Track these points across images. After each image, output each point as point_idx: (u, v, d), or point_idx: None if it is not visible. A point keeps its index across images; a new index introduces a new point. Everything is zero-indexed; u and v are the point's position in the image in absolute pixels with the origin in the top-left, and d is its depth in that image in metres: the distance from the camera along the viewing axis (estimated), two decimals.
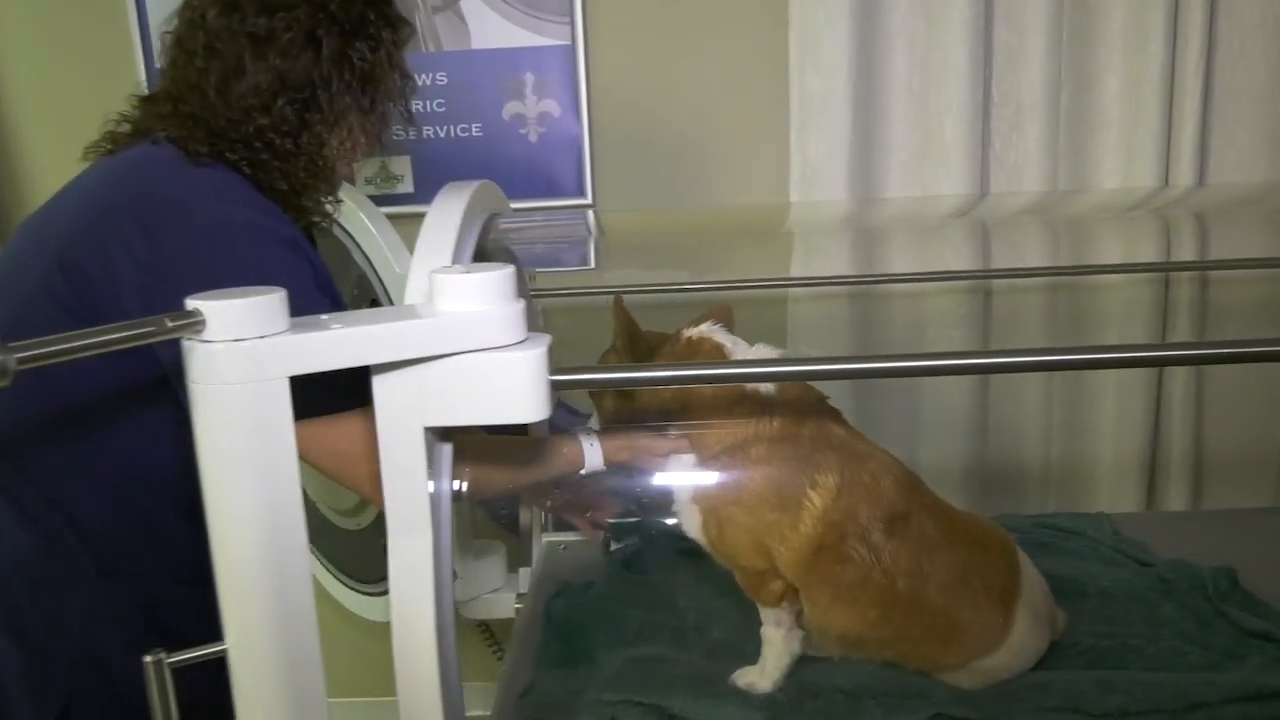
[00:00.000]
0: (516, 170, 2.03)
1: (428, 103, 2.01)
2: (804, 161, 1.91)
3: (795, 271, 1.94)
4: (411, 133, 1.28)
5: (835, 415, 1.12)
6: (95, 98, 1.61)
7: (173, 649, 0.83)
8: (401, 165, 2.04)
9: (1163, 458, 1.93)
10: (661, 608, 1.27)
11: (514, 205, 2.01)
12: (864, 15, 1.86)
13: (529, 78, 1.99)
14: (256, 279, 0.84)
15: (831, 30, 1.85)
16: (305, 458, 1.02)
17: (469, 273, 0.83)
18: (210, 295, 0.77)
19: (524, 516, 1.58)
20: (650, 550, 1.40)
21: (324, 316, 0.84)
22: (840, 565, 1.04)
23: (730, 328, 1.14)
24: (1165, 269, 1.83)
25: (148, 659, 0.90)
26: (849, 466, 1.06)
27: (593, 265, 2.04)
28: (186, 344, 0.77)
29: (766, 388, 1.08)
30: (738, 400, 1.07)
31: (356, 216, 1.61)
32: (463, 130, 2.02)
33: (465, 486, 1.05)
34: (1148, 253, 1.84)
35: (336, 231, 1.66)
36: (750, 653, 1.14)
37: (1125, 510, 1.89)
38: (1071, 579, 1.29)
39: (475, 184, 1.15)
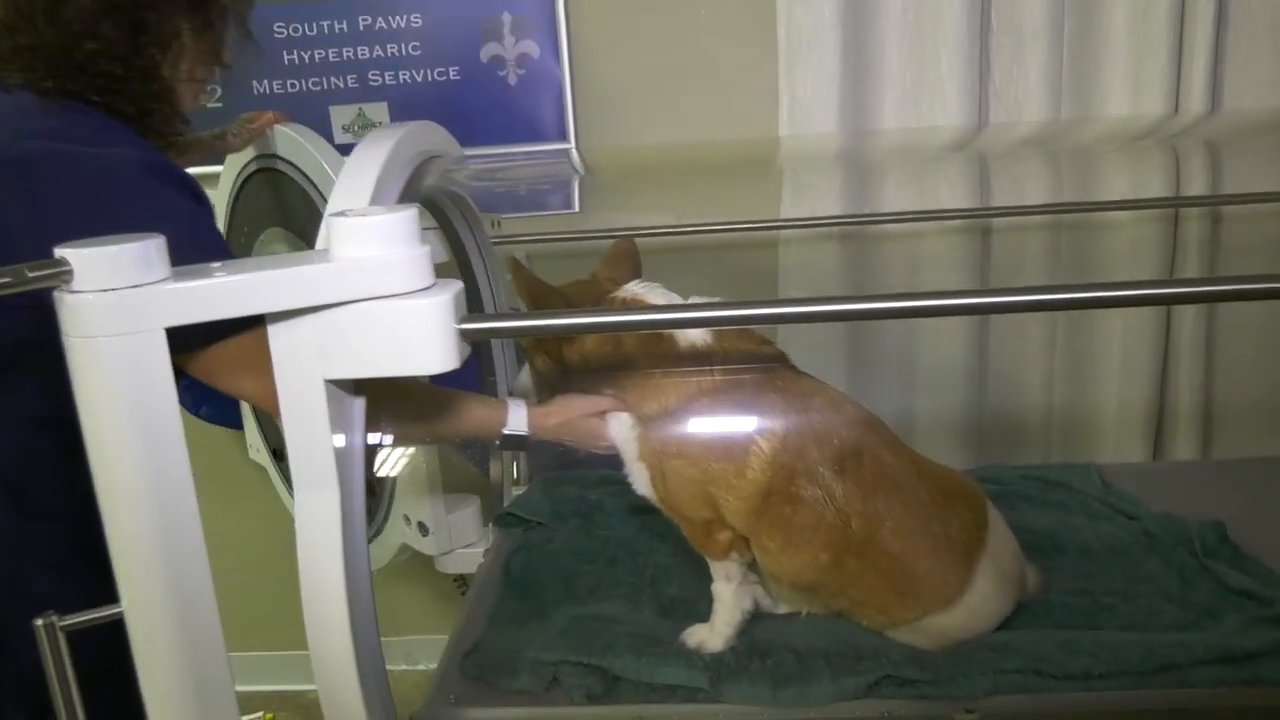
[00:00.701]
0: (496, 114, 1.96)
1: (402, 46, 1.94)
2: (793, 96, 1.82)
3: (786, 211, 1.86)
4: (252, 52, 1.21)
5: (781, 358, 1.06)
6: None
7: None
8: (378, 111, 1.98)
9: (1171, 405, 1.84)
10: (619, 564, 1.23)
11: (494, 150, 1.97)
12: None
13: (506, 18, 1.91)
14: (154, 224, 0.80)
15: None
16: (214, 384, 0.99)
17: (365, 215, 0.78)
18: (79, 243, 0.73)
19: (494, 469, 1.54)
20: (614, 505, 1.36)
21: (213, 265, 0.79)
22: (791, 507, 1.00)
23: (637, 268, 1.09)
24: (1175, 204, 1.73)
25: (38, 622, 0.87)
26: (796, 408, 1.01)
27: (577, 209, 1.98)
28: (56, 296, 0.73)
29: (703, 337, 1.02)
30: (677, 352, 1.01)
31: (320, 167, 1.56)
32: (439, 74, 1.95)
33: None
34: (1157, 186, 1.74)
35: (301, 181, 1.61)
36: (706, 612, 1.10)
37: (1131, 461, 1.82)
38: (1050, 533, 1.23)
39: (407, 125, 1.10)
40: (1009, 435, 1.91)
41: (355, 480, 0.85)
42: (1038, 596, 1.10)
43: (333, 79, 1.97)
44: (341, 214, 0.78)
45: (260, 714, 2.04)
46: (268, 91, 1.98)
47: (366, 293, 0.77)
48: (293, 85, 1.98)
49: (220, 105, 2.00)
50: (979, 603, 1.02)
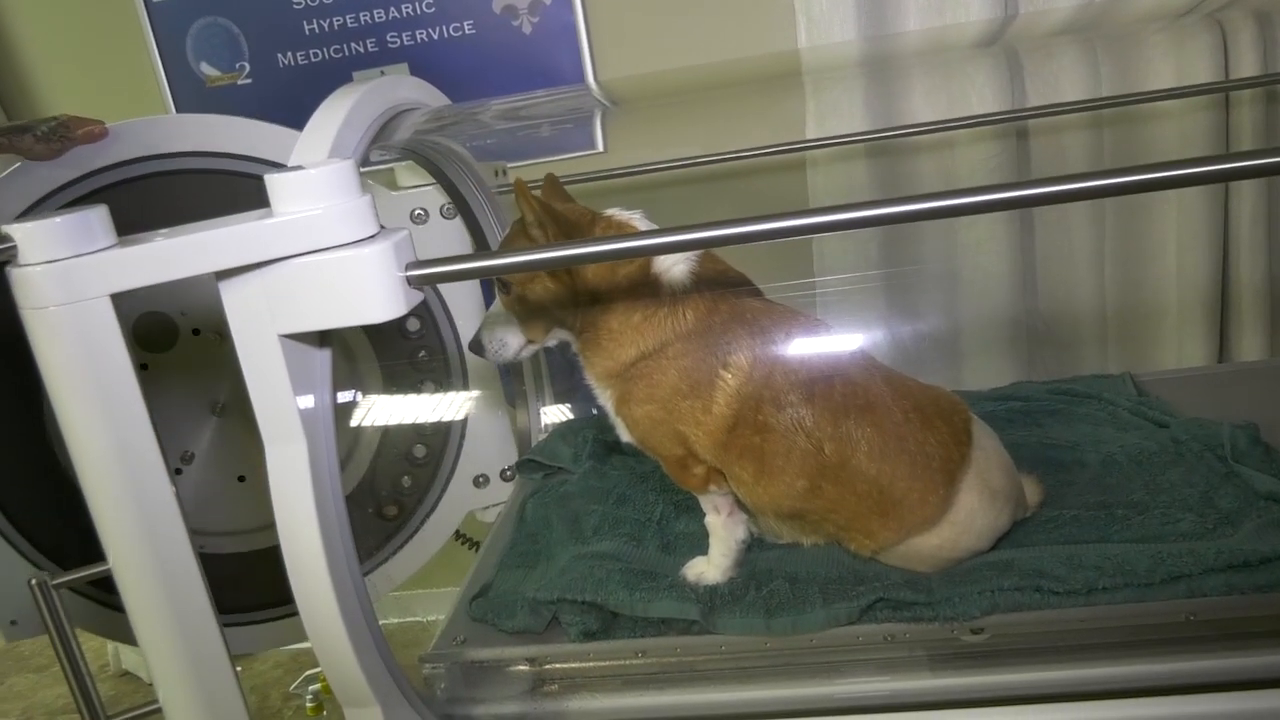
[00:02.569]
0: (513, 64, 1.95)
1: (417, 5, 1.94)
2: (808, 13, 1.76)
3: (811, 129, 1.80)
4: None
5: (750, 289, 1.03)
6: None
7: None
8: (399, 73, 1.99)
9: (1233, 303, 1.73)
10: (628, 503, 1.23)
11: (513, 98, 1.96)
12: None
13: None
14: None
15: None
16: None
17: (300, 170, 0.79)
18: (22, 219, 0.75)
19: (520, 417, 1.56)
20: (630, 446, 1.36)
21: (159, 230, 0.81)
22: (760, 436, 0.99)
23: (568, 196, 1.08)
24: (1225, 88, 1.61)
25: (32, 581, 0.92)
26: (760, 335, 0.99)
27: (600, 148, 1.96)
28: (8, 271, 0.76)
29: (681, 273, 1.00)
30: (649, 287, 1.00)
31: None
32: (455, 30, 1.95)
33: None
34: (1203, 68, 1.61)
35: None
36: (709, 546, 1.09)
37: (1192, 365, 1.72)
38: (1073, 446, 1.18)
39: (373, 80, 1.10)
40: (1061, 347, 1.83)
41: (323, 431, 0.87)
42: (1045, 513, 1.06)
43: (353, 45, 1.99)
44: (278, 171, 0.79)
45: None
46: (292, 62, 2.01)
47: (310, 245, 0.78)
48: (315, 54, 2.00)
49: (250, 81, 2.04)
50: (966, 520, 0.99)
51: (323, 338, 0.88)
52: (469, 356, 1.47)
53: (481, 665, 1.05)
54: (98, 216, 0.77)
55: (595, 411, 1.17)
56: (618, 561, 1.08)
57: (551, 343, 1.07)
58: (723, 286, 1.04)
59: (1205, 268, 1.71)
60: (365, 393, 1.47)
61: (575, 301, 1.02)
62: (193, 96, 2.06)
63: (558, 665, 1.05)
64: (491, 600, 1.09)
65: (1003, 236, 1.78)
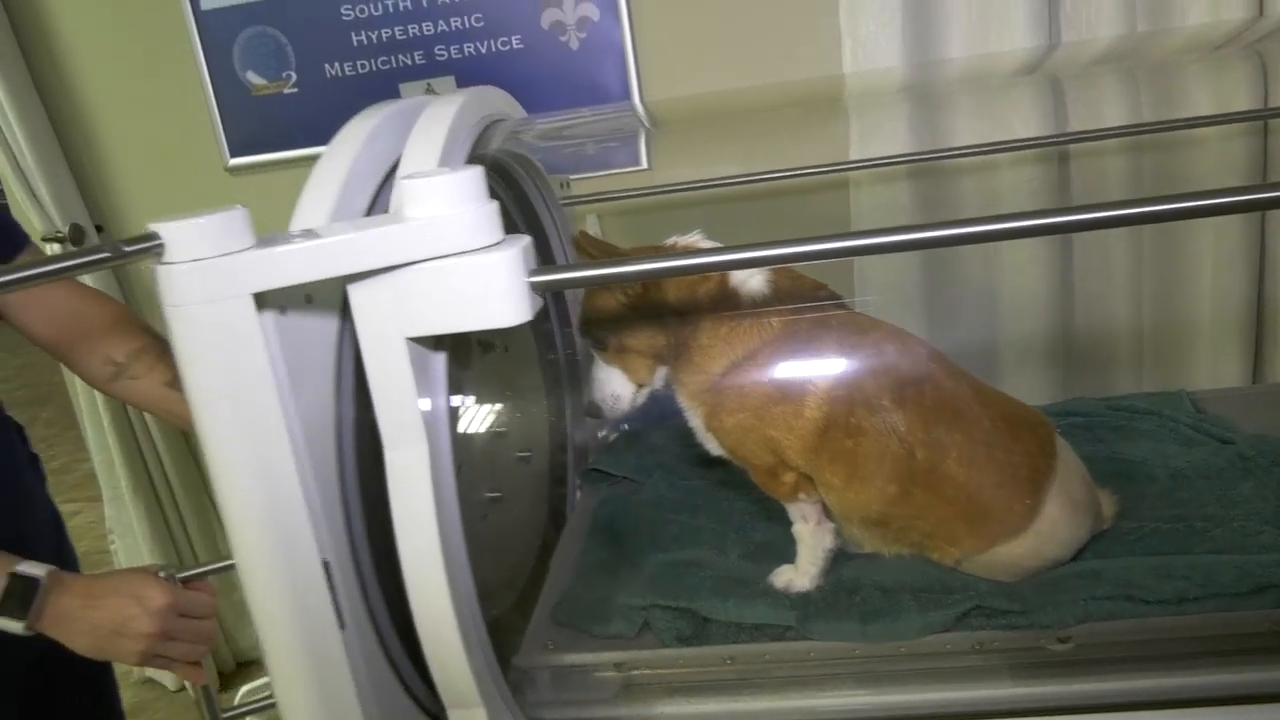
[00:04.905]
0: (560, 80, 1.98)
1: (465, 19, 1.97)
2: (855, 33, 1.79)
3: (855, 151, 1.84)
4: None
5: (833, 297, 1.06)
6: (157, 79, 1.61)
7: None
8: (446, 86, 2.01)
9: (1269, 325, 1.77)
10: (703, 512, 1.24)
11: (559, 114, 1.98)
12: None
13: None
14: None
15: None
16: None
17: (433, 176, 0.81)
18: (169, 218, 0.77)
19: (583, 431, 1.57)
20: (696, 456, 1.37)
21: (294, 232, 0.83)
22: (851, 440, 1.01)
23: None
24: (1263, 116, 1.66)
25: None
26: (851, 343, 1.01)
27: (645, 164, 1.99)
28: (153, 268, 0.77)
29: (758, 285, 1.03)
30: (730, 301, 1.02)
31: None
32: (503, 44, 1.97)
33: None
34: (1242, 97, 1.66)
35: None
36: (791, 554, 1.11)
37: (1227, 386, 1.76)
38: (1141, 461, 1.20)
39: (469, 90, 1.12)
40: (1099, 366, 1.86)
41: (442, 435, 0.88)
42: (1123, 525, 1.08)
43: (400, 56, 2.01)
44: (410, 176, 0.80)
45: None
46: (339, 73, 2.03)
47: (439, 250, 0.80)
48: (363, 66, 2.02)
49: (296, 90, 2.05)
50: (1049, 530, 1.02)
51: (437, 342, 0.89)
52: None
53: (570, 669, 1.06)
54: (240, 217, 0.78)
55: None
56: (705, 569, 1.09)
57: (659, 383, 1.09)
58: (800, 294, 1.06)
59: (1241, 288, 1.75)
60: None
61: (668, 333, 1.04)
62: (238, 104, 2.08)
63: (645, 671, 1.06)
64: (576, 605, 1.10)
65: (1042, 257, 1.82)
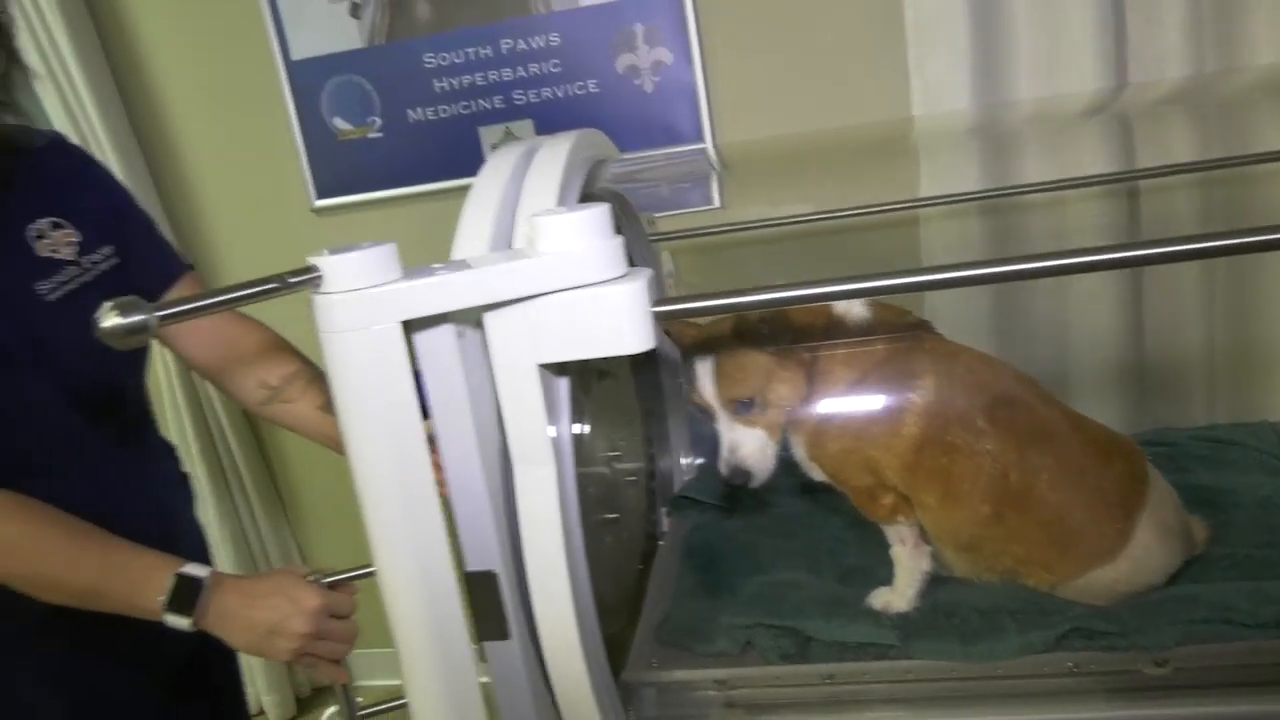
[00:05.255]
0: (634, 121, 2.05)
1: (543, 64, 2.05)
2: (923, 75, 1.84)
3: (925, 189, 1.89)
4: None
5: (927, 326, 1.10)
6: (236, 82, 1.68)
7: None
8: (524, 129, 2.09)
9: None
10: (796, 537, 1.28)
11: (633, 154, 2.05)
12: None
13: (639, 28, 2.00)
14: None
15: None
16: None
17: (566, 213, 0.86)
18: (327, 251, 0.83)
19: (664, 462, 1.62)
20: (784, 484, 1.41)
21: (435, 265, 0.88)
22: (947, 458, 1.04)
23: None
24: None
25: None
26: (945, 364, 1.07)
27: (717, 204, 2.04)
28: (311, 297, 0.83)
29: (859, 313, 1.07)
30: (832, 329, 1.07)
31: None
32: (579, 88, 2.05)
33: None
34: None
35: None
36: (884, 578, 1.14)
37: None
38: (1228, 490, 1.22)
39: (576, 133, 1.18)
40: (1172, 396, 1.88)
41: (566, 455, 0.93)
42: (1215, 550, 1.10)
43: (480, 101, 2.09)
44: (544, 213, 0.86)
45: None
46: (421, 118, 2.12)
47: (569, 283, 0.85)
48: (444, 110, 2.11)
49: (380, 135, 2.14)
50: (1143, 555, 1.04)
51: (563, 367, 0.94)
52: None
53: (674, 686, 1.10)
54: (389, 251, 0.85)
55: None
56: (806, 590, 1.13)
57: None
58: (893, 323, 1.11)
59: None
60: None
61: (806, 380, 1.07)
62: (325, 149, 2.17)
63: (747, 689, 1.09)
64: (679, 626, 1.14)
65: (1112, 289, 1.84)
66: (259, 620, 1.04)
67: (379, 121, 2.13)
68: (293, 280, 0.81)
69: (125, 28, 2.19)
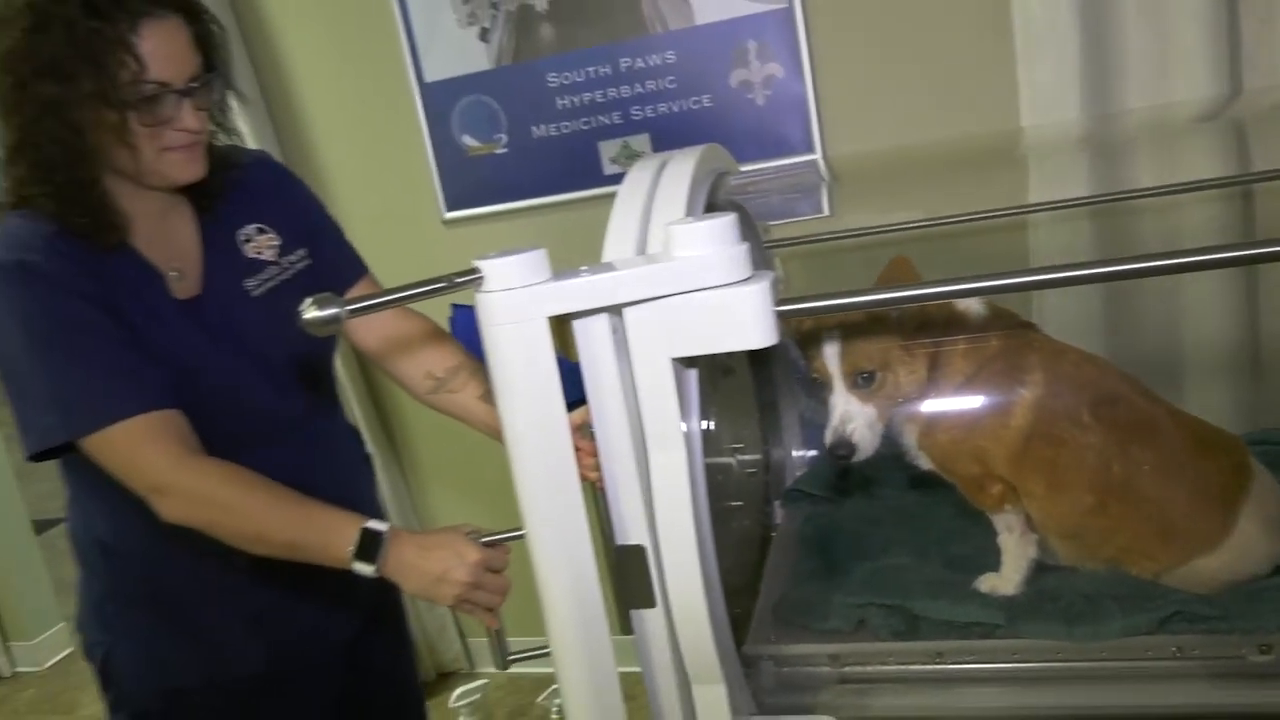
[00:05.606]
0: (747, 133, 2.14)
1: (659, 81, 2.16)
2: (1032, 85, 1.89)
3: (1034, 196, 1.92)
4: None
5: (1033, 327, 1.16)
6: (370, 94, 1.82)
7: None
8: (641, 143, 2.20)
9: None
10: (905, 527, 1.34)
11: (746, 166, 2.14)
12: None
13: (751, 45, 2.09)
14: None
15: None
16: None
17: (699, 221, 0.96)
18: (489, 255, 0.94)
19: (777, 454, 1.70)
20: (891, 478, 1.48)
21: (581, 268, 0.99)
22: (1053, 450, 1.10)
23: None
24: None
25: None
26: (1052, 360, 1.13)
27: (826, 212, 2.12)
28: (475, 295, 0.95)
29: (975, 313, 1.14)
30: (952, 326, 1.14)
31: None
32: (694, 103, 2.15)
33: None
34: None
35: None
36: (990, 565, 1.20)
37: None
38: None
39: (701, 148, 1.28)
40: None
41: (695, 441, 1.02)
42: None
43: (600, 117, 2.21)
44: (679, 222, 0.96)
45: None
46: (544, 134, 2.25)
47: (702, 284, 0.95)
48: (565, 127, 2.24)
49: (505, 151, 2.28)
50: (1246, 544, 1.08)
51: (692, 361, 1.04)
52: None
53: (790, 659, 1.18)
54: (540, 256, 0.96)
55: None
56: (913, 573, 1.20)
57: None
58: (1003, 322, 1.17)
59: None
60: None
61: (928, 365, 1.14)
62: (454, 164, 2.32)
63: (858, 666, 1.17)
64: (797, 604, 1.22)
65: (1226, 293, 1.85)
66: (429, 569, 1.18)
67: (505, 138, 2.28)
68: (459, 280, 0.93)
69: (276, 57, 2.39)
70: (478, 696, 2.45)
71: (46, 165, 1.18)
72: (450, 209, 2.36)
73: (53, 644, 3.53)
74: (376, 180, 2.41)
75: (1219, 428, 1.17)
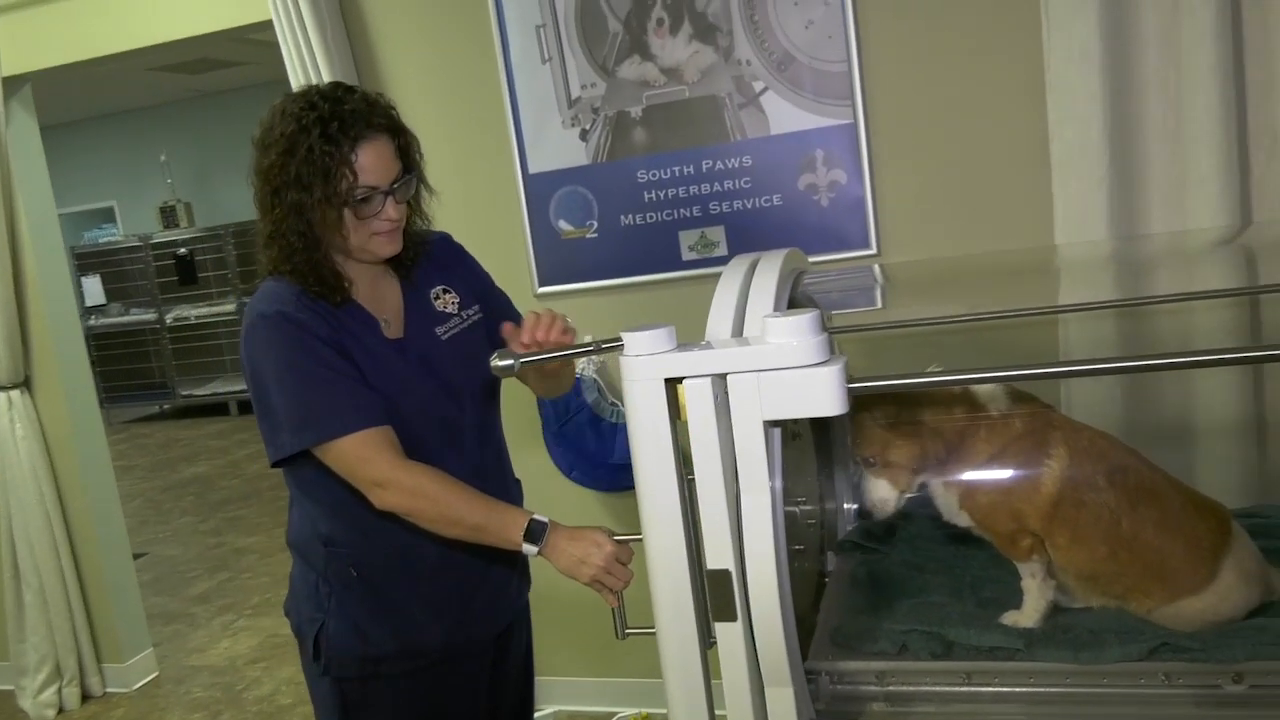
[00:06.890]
0: (811, 230, 2.44)
1: (736, 181, 2.46)
2: (1066, 206, 2.16)
3: (1063, 300, 2.19)
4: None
5: (1052, 409, 1.43)
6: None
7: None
8: (717, 234, 2.51)
9: None
10: (942, 574, 1.59)
11: (810, 259, 2.43)
12: (1115, 70, 2.10)
13: (819, 153, 2.39)
14: (258, 356, 1.55)
15: (1085, 86, 2.11)
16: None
17: (790, 316, 1.24)
18: (631, 329, 1.23)
19: (830, 508, 1.96)
20: (931, 533, 1.73)
21: (699, 342, 1.27)
22: (1076, 510, 1.36)
23: None
24: None
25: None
26: (1072, 438, 1.38)
27: (879, 305, 2.40)
28: (619, 357, 1.24)
29: (999, 394, 1.41)
30: (979, 411, 1.41)
31: None
32: (765, 201, 2.46)
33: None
34: None
35: None
36: (1015, 604, 1.45)
37: None
38: None
39: (785, 251, 1.57)
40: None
41: (778, 488, 1.29)
42: None
43: (680, 210, 2.52)
44: (775, 315, 1.24)
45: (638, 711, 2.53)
46: (632, 222, 2.56)
47: (791, 363, 1.22)
48: (650, 217, 2.55)
49: (596, 236, 2.60)
50: (1225, 590, 1.33)
51: (778, 423, 1.31)
52: None
53: (843, 675, 1.43)
54: (668, 331, 1.24)
55: None
56: (949, 608, 1.45)
57: (915, 487, 1.45)
58: (1025, 401, 1.44)
59: None
60: None
61: (926, 446, 1.42)
62: (549, 245, 2.64)
63: (899, 685, 1.41)
64: (848, 632, 1.47)
65: (1235, 386, 2.09)
66: (575, 552, 1.52)
67: (596, 224, 2.59)
68: (606, 345, 1.23)
69: None
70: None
71: (289, 249, 1.57)
72: (542, 284, 2.67)
73: (142, 667, 3.81)
74: (478, 256, 2.73)
75: (1208, 496, 1.42)
